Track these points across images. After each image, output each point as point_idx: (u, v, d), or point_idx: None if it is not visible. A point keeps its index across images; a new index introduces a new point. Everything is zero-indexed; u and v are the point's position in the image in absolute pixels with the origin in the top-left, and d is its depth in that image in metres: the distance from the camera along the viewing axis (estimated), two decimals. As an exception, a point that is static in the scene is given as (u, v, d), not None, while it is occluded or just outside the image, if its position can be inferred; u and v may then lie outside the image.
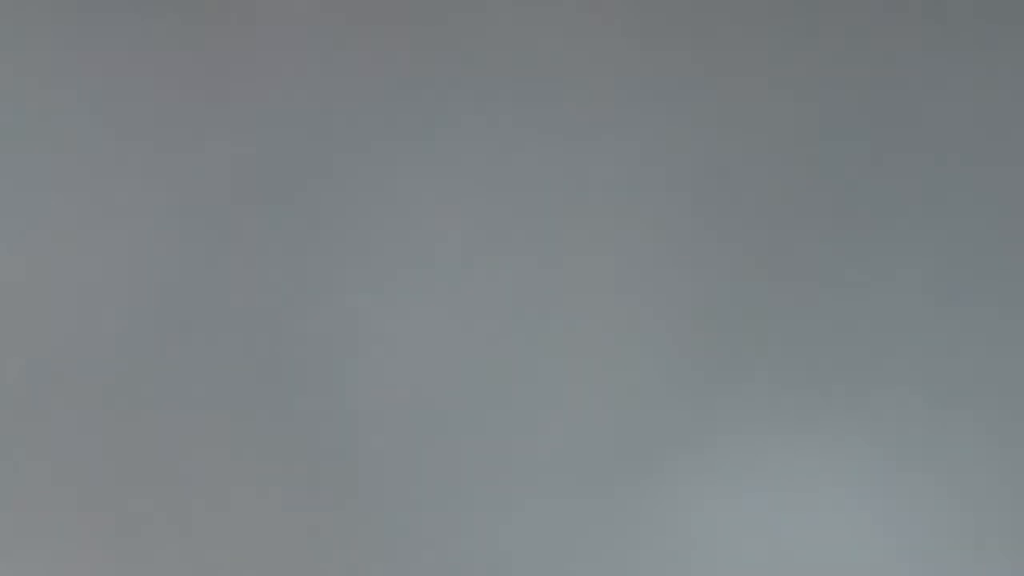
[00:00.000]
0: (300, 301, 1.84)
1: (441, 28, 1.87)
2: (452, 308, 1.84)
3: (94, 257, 1.85)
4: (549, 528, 1.80)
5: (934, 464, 1.79)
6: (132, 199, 1.87)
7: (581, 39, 1.87)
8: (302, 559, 1.80)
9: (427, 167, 1.86)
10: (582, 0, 1.87)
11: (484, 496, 1.80)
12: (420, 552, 1.80)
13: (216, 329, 1.84)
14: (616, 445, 1.81)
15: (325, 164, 1.86)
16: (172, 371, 1.83)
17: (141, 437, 1.83)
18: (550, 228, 1.84)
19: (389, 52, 1.88)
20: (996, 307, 1.80)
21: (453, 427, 1.82)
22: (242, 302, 1.84)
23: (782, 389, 1.80)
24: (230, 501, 1.81)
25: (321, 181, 1.86)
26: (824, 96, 1.85)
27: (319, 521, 1.81)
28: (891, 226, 1.83)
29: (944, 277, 1.81)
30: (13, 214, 1.86)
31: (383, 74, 1.87)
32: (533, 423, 1.81)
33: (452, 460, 1.81)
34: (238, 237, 1.85)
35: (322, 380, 1.83)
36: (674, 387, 1.81)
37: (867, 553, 1.78)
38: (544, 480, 1.80)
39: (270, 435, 1.82)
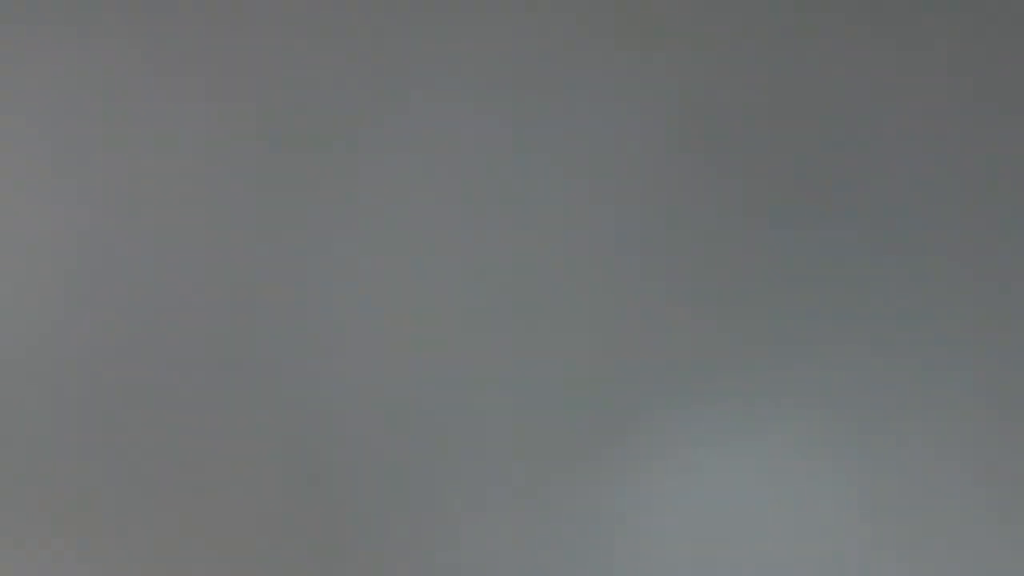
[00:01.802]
0: (275, 295, 1.84)
1: (417, 13, 1.88)
2: (418, 297, 1.84)
3: (77, 251, 1.85)
4: (513, 514, 1.81)
5: (896, 441, 1.80)
6: (110, 194, 1.87)
7: (568, 32, 1.87)
8: (275, 550, 1.80)
9: (400, 151, 1.86)
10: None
11: (454, 485, 1.81)
12: (388, 542, 1.80)
13: (196, 327, 1.84)
14: (580, 428, 1.81)
15: (306, 156, 1.86)
16: (152, 367, 1.83)
17: (121, 433, 1.82)
18: (520, 220, 1.85)
19: (359, 42, 1.88)
20: (958, 292, 1.82)
21: (420, 415, 1.82)
22: (220, 297, 1.84)
23: (744, 368, 1.81)
24: (208, 495, 1.81)
25: (299, 173, 1.86)
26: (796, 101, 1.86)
27: (287, 508, 1.81)
28: (864, 211, 1.84)
29: (914, 264, 1.83)
30: (7, 205, 1.87)
31: (355, 62, 1.87)
32: (496, 412, 1.82)
33: (419, 447, 1.81)
34: (218, 231, 1.85)
35: (295, 369, 1.83)
36: (635, 367, 1.81)
37: (832, 532, 1.79)
38: (506, 467, 1.81)
39: (246, 427, 1.82)
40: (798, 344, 1.81)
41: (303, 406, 1.82)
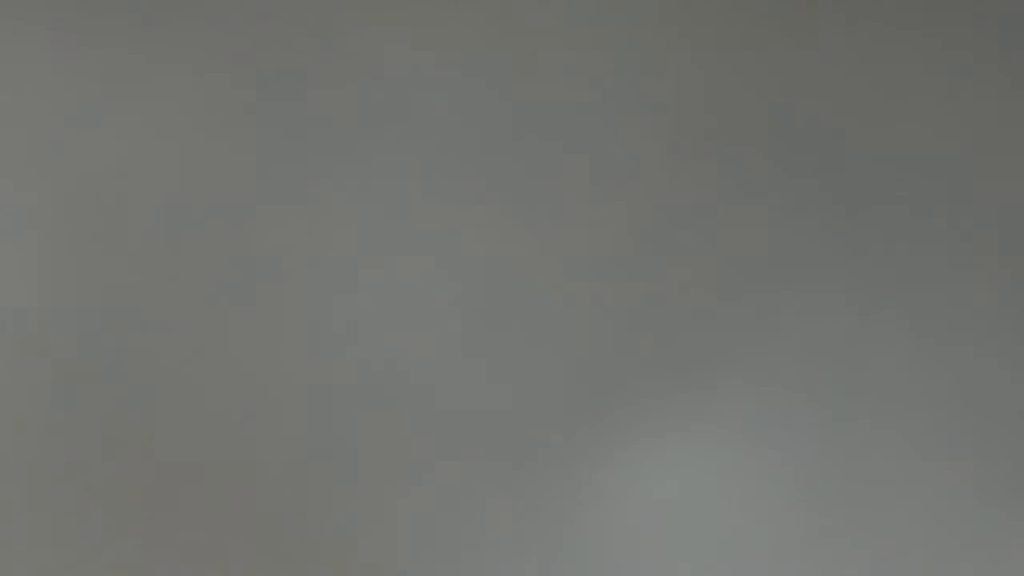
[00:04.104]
0: (264, 289, 1.84)
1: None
2: (403, 292, 1.84)
3: (58, 246, 1.86)
4: (468, 500, 1.82)
5: (852, 432, 1.81)
6: (95, 185, 1.87)
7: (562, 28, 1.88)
8: (260, 548, 1.81)
9: (395, 148, 1.86)
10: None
11: (432, 481, 1.82)
12: (369, 538, 1.81)
13: (184, 321, 1.84)
14: (556, 422, 1.82)
15: (299, 151, 1.86)
16: (138, 360, 1.83)
17: (104, 428, 1.83)
18: (509, 217, 1.85)
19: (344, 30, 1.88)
20: (894, 306, 1.84)
21: (398, 413, 1.83)
22: (208, 293, 1.84)
23: (708, 362, 1.82)
24: (193, 492, 1.82)
25: (292, 169, 1.86)
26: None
27: (275, 504, 1.81)
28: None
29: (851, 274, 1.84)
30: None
31: (354, 57, 1.87)
32: (479, 407, 1.82)
33: (396, 444, 1.82)
34: (207, 226, 1.85)
35: (283, 363, 1.83)
36: (613, 362, 1.82)
37: (787, 521, 1.80)
38: (484, 463, 1.82)
39: (232, 424, 1.82)
40: (769, 338, 1.82)
41: (291, 401, 1.83)
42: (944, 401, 1.82)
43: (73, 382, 1.82)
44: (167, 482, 1.81)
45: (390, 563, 1.80)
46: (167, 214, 1.85)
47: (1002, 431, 1.81)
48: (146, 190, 1.85)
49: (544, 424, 1.82)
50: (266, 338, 1.83)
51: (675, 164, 1.85)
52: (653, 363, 1.82)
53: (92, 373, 1.83)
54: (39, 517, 1.81)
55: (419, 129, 1.86)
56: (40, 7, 1.89)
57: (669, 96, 1.86)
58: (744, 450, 1.81)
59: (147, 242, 1.84)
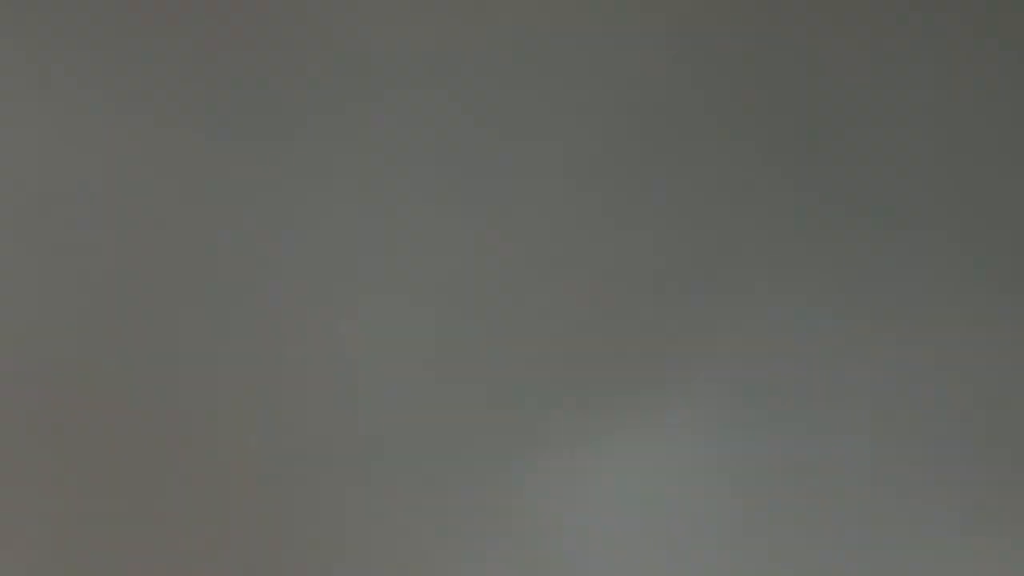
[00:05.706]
0: (241, 285, 1.85)
1: None
2: (373, 286, 1.85)
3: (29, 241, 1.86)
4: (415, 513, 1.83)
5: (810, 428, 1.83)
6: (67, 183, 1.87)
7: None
8: (230, 546, 1.82)
9: (363, 136, 1.87)
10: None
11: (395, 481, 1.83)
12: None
13: (167, 321, 1.85)
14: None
15: (276, 145, 1.87)
16: (113, 358, 1.84)
17: (77, 429, 1.84)
18: (486, 210, 1.86)
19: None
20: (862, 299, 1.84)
21: (368, 409, 1.83)
22: (191, 289, 1.85)
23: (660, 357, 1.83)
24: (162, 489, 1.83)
25: (271, 165, 1.86)
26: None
27: (249, 503, 1.82)
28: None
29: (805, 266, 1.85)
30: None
31: (320, 50, 1.87)
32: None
33: (365, 441, 1.83)
34: (187, 223, 1.86)
35: (263, 360, 1.84)
36: (587, 356, 1.84)
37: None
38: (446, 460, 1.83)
39: (207, 421, 1.83)
40: (750, 335, 1.83)
41: (283, 401, 1.83)
42: (926, 400, 1.83)
43: (64, 384, 1.83)
44: (160, 483, 1.82)
45: (376, 562, 1.81)
46: (143, 215, 1.86)
47: (987, 430, 1.82)
48: (134, 191, 1.86)
49: (519, 422, 1.83)
50: (253, 338, 1.84)
51: (653, 159, 1.86)
52: (631, 361, 1.83)
53: (82, 375, 1.83)
54: (32, 521, 1.82)
55: (396, 125, 1.86)
56: None
57: (649, 91, 1.87)
58: (721, 447, 1.82)
59: (140, 243, 1.85)
